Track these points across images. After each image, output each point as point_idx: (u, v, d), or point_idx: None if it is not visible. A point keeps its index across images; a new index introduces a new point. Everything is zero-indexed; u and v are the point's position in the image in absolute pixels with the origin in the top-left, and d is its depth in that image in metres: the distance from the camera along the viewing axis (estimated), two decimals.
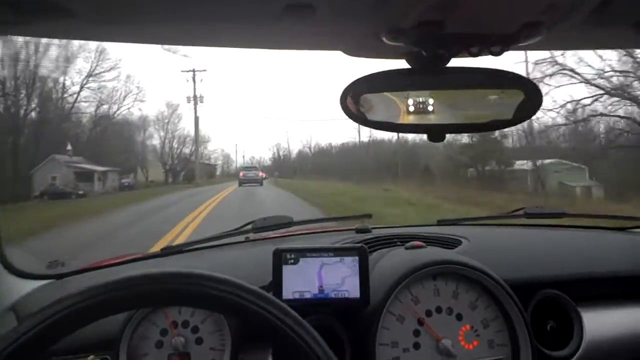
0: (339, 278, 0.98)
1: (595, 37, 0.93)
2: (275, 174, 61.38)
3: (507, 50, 0.85)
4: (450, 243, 1.31)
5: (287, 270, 0.98)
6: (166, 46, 0.90)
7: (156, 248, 1.85)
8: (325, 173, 43.26)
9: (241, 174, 31.96)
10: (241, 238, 1.49)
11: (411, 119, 0.94)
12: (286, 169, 73.56)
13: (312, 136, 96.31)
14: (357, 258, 0.99)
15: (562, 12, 0.73)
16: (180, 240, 7.18)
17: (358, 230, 1.45)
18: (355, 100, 0.91)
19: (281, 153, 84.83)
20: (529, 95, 0.92)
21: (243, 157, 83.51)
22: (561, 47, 1.03)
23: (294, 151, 79.63)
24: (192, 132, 43.03)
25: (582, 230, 1.66)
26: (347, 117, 0.93)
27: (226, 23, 0.79)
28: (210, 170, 56.22)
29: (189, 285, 0.66)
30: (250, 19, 0.75)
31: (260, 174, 32.01)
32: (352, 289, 0.98)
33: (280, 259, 0.98)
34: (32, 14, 0.67)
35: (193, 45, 0.93)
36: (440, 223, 1.62)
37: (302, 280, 0.98)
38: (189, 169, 44.26)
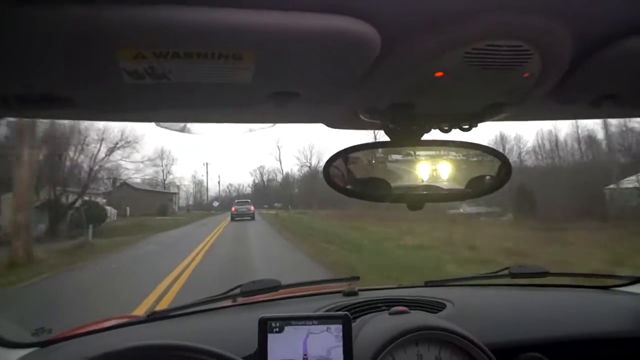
0: (324, 346, 1.00)
1: (555, 111, 1.00)
2: (276, 204, 53.85)
3: (475, 126, 0.92)
4: (435, 307, 1.33)
5: (272, 338, 0.99)
6: (162, 123, 0.96)
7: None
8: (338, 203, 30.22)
9: (233, 208, 31.45)
10: (229, 302, 1.49)
11: (392, 189, 1.00)
12: (272, 197, 64.47)
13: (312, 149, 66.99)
14: (340, 326, 1.00)
15: (522, 93, 0.80)
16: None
17: (345, 294, 1.47)
18: (337, 170, 0.96)
19: (265, 177, 74.15)
20: (499, 164, 0.99)
21: (219, 183, 77.93)
22: (524, 119, 1.10)
23: (286, 172, 69.93)
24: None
25: (566, 290, 1.68)
26: (329, 186, 0.98)
27: (215, 107, 0.85)
28: (162, 201, 43.31)
29: (176, 358, 0.68)
30: (238, 102, 0.82)
31: (252, 208, 31.45)
32: (336, 357, 0.99)
33: (265, 327, 1.00)
34: (35, 104, 0.72)
35: (183, 122, 0.99)
36: (428, 284, 1.65)
37: (287, 349, 0.99)
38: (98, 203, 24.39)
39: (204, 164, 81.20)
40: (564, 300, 1.57)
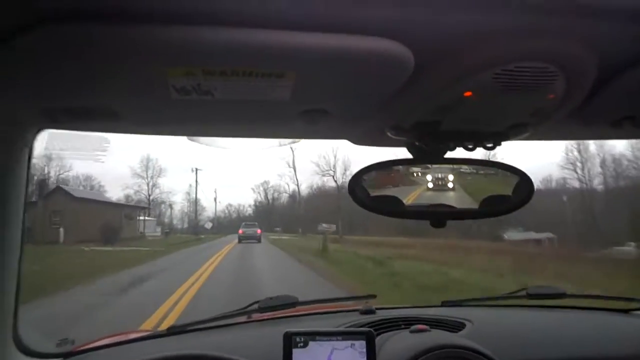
0: None
1: (577, 131, 1.02)
2: (277, 229, 44.06)
3: (499, 145, 0.94)
4: (454, 326, 1.33)
5: (297, 353, 1.00)
6: (193, 137, 0.99)
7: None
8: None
9: (241, 230, 30.76)
10: (246, 317, 1.50)
11: (415, 206, 1.01)
12: (276, 219, 54.92)
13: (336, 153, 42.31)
14: (364, 342, 1.01)
15: (546, 113, 0.82)
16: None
17: (362, 312, 1.47)
18: (362, 187, 0.98)
19: (270, 195, 61.53)
20: (522, 183, 1.00)
21: (215, 200, 64.46)
22: (547, 139, 1.12)
23: (294, 188, 54.31)
24: None
25: (584, 312, 1.67)
26: (354, 202, 1.00)
27: (249, 122, 0.88)
28: (115, 220, 25.59)
29: None
30: (272, 118, 0.84)
31: (258, 231, 30.59)
32: None
33: (290, 342, 1.01)
34: (81, 116, 0.76)
35: (217, 136, 1.03)
36: (444, 304, 1.64)
37: None
38: None
39: (192, 170, 58.32)
40: (582, 321, 1.55)
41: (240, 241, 28.32)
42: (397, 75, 0.66)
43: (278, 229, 37.92)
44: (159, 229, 42.81)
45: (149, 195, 51.59)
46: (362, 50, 0.59)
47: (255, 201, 67.94)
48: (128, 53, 0.56)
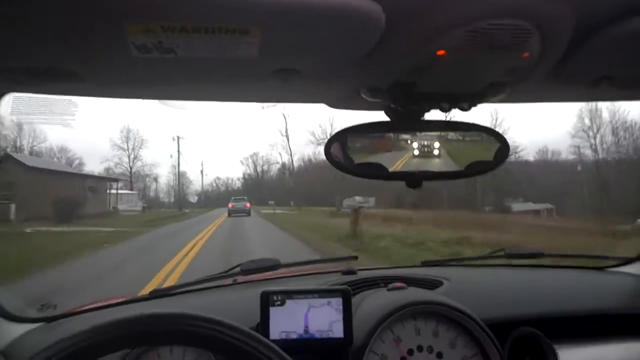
0: (324, 319, 1.03)
1: (555, 92, 1.02)
2: (270, 202, 39.27)
3: (475, 106, 0.94)
4: (432, 284, 1.36)
5: (274, 311, 1.02)
6: (165, 101, 0.97)
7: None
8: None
9: (230, 205, 31.22)
10: (229, 281, 1.52)
11: (390, 168, 1.02)
12: (266, 192, 52.09)
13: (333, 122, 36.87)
14: (340, 299, 1.03)
15: (522, 73, 0.81)
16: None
17: (344, 273, 1.50)
18: (339, 149, 0.98)
19: (259, 168, 60.14)
20: (499, 144, 1.01)
21: (202, 172, 62.91)
22: (524, 100, 1.12)
23: (284, 161, 54.25)
24: None
25: (561, 270, 1.71)
26: (331, 165, 1.00)
27: (220, 83, 0.86)
28: (74, 192, 21.63)
29: (186, 326, 0.71)
30: (242, 79, 0.83)
31: (248, 205, 31.18)
32: (336, 329, 1.02)
33: (267, 300, 1.03)
34: (42, 77, 0.74)
35: (189, 100, 1.01)
36: (425, 264, 1.67)
37: (288, 321, 1.02)
38: None
39: (173, 139, 52.36)
40: (559, 279, 1.60)
41: (230, 215, 28.64)
42: (367, 32, 0.65)
43: (272, 202, 32.97)
44: (141, 204, 41.18)
45: (130, 168, 49.58)
46: (330, 5, 0.58)
47: (244, 174, 65.42)
48: (83, 8, 0.54)
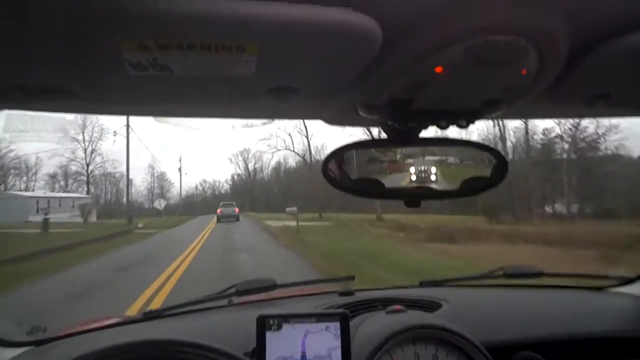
0: (322, 344, 1.00)
1: (552, 109, 1.02)
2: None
3: (472, 123, 0.93)
4: (430, 306, 1.33)
5: (270, 336, 0.99)
6: (160, 117, 0.96)
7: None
8: None
9: (219, 210, 30.82)
10: (224, 302, 1.49)
11: (389, 186, 1.00)
12: (259, 196, 46.01)
13: None
14: (338, 324, 1.00)
15: (520, 91, 0.81)
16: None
17: (341, 293, 1.47)
18: (336, 166, 0.97)
19: (251, 165, 51.24)
20: (497, 162, 1.00)
21: (180, 171, 48.25)
22: (521, 117, 1.12)
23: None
24: None
25: (560, 291, 1.69)
26: (329, 183, 0.99)
27: (216, 101, 0.85)
28: None
29: (181, 353, 0.68)
30: (239, 96, 0.82)
31: (236, 210, 30.75)
32: (334, 355, 0.99)
33: (263, 325, 1.00)
34: (36, 95, 0.72)
35: (185, 117, 1.00)
36: (423, 284, 1.65)
37: (285, 347, 0.99)
38: None
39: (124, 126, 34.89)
40: (558, 300, 1.58)
41: (219, 221, 28.38)
42: (365, 49, 0.64)
43: (293, 208, 23.08)
44: (93, 214, 31.24)
45: (87, 165, 40.05)
46: (328, 22, 0.57)
47: (233, 175, 56.72)
48: (77, 25, 0.53)
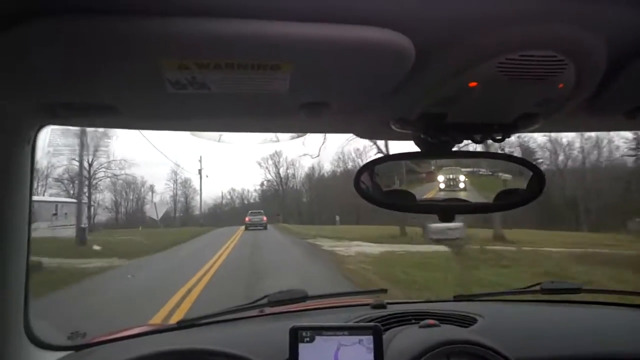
0: (354, 358, 0.99)
1: (590, 122, 0.99)
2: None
3: (508, 137, 0.92)
4: (465, 321, 1.31)
5: (303, 348, 1.00)
6: (197, 132, 0.99)
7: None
8: None
9: (247, 218, 30.94)
10: (256, 311, 1.50)
11: (423, 200, 1.00)
12: (291, 204, 40.72)
13: None
14: (371, 337, 1.00)
15: (556, 104, 0.79)
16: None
17: (373, 306, 1.46)
18: (368, 179, 0.97)
19: (282, 172, 44.89)
20: (534, 176, 0.97)
21: (200, 173, 42.00)
22: (559, 130, 1.09)
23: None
24: None
25: (599, 307, 1.63)
26: (360, 196, 0.99)
27: (251, 116, 0.87)
28: None
29: None
30: (273, 112, 0.84)
31: (264, 218, 30.73)
32: None
33: (296, 337, 1.00)
34: (80, 112, 0.76)
35: (219, 131, 1.02)
36: (457, 298, 1.62)
37: (317, 359, 0.99)
38: None
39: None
40: (597, 317, 1.52)
41: (247, 228, 28.24)
42: (398, 66, 0.65)
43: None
44: (70, 228, 18.55)
45: (90, 166, 30.80)
46: (360, 41, 0.58)
47: (262, 182, 49.77)
48: (121, 47, 0.56)
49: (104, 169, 34.95)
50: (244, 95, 0.72)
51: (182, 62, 0.59)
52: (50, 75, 0.64)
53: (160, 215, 29.61)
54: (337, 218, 31.45)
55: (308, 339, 1.00)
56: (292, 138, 1.06)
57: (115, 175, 37.14)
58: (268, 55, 0.59)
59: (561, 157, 28.97)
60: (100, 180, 36.26)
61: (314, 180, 42.15)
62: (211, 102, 0.75)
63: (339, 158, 39.15)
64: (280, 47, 0.57)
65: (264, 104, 0.78)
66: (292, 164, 46.31)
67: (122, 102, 0.76)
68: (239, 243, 17.11)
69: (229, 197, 54.38)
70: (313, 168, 43.49)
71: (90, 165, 31.73)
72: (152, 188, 43.10)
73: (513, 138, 0.96)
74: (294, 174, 46.21)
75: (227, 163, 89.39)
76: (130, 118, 0.84)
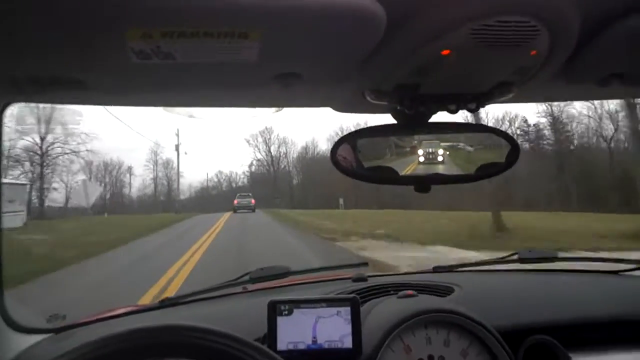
0: (333, 329, 1.01)
1: (564, 91, 1.00)
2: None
3: (482, 106, 0.92)
4: (443, 291, 1.33)
5: (281, 321, 1.00)
6: (169, 108, 0.97)
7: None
8: None
9: (236, 201, 31.16)
10: (238, 289, 1.51)
11: (398, 172, 1.00)
12: (283, 186, 38.06)
13: None
14: (349, 309, 1.01)
15: (530, 72, 0.79)
16: None
17: (354, 280, 1.48)
18: (348, 153, 0.97)
19: (274, 150, 41.12)
20: (507, 145, 0.98)
21: (177, 149, 36.94)
22: (533, 100, 1.10)
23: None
24: None
25: (575, 274, 1.67)
26: (337, 170, 0.99)
27: (223, 89, 0.86)
28: None
29: (190, 338, 0.69)
30: (244, 84, 0.82)
31: (252, 201, 30.90)
32: (345, 339, 1.00)
33: (274, 310, 1.01)
34: (46, 87, 0.73)
35: (192, 106, 1.00)
36: (436, 270, 1.65)
37: (296, 332, 1.00)
38: None
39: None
40: (573, 284, 1.56)
41: (235, 211, 28.37)
42: (369, 32, 0.63)
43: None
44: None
45: (41, 141, 26.72)
46: (329, 6, 0.57)
47: (252, 161, 45.25)
48: (84, 15, 0.54)
49: (60, 144, 29.54)
50: (213, 67, 0.70)
51: (145, 31, 0.57)
52: (10, 47, 0.62)
53: (92, 200, 21.59)
54: (341, 201, 28.94)
55: (286, 312, 1.01)
56: (269, 113, 1.04)
57: (74, 151, 32.11)
58: (234, 22, 0.57)
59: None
60: (55, 158, 30.71)
61: (308, 159, 39.33)
62: (180, 74, 0.74)
63: (337, 134, 35.74)
64: (247, 14, 0.56)
65: (235, 75, 0.76)
66: (284, 142, 43.05)
67: (90, 76, 0.74)
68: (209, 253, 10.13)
69: (216, 179, 50.70)
70: (307, 147, 40.65)
71: (42, 139, 26.64)
72: (130, 170, 39.35)
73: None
74: (285, 153, 42.77)
75: (213, 143, 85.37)
76: (99, 93, 0.82)
